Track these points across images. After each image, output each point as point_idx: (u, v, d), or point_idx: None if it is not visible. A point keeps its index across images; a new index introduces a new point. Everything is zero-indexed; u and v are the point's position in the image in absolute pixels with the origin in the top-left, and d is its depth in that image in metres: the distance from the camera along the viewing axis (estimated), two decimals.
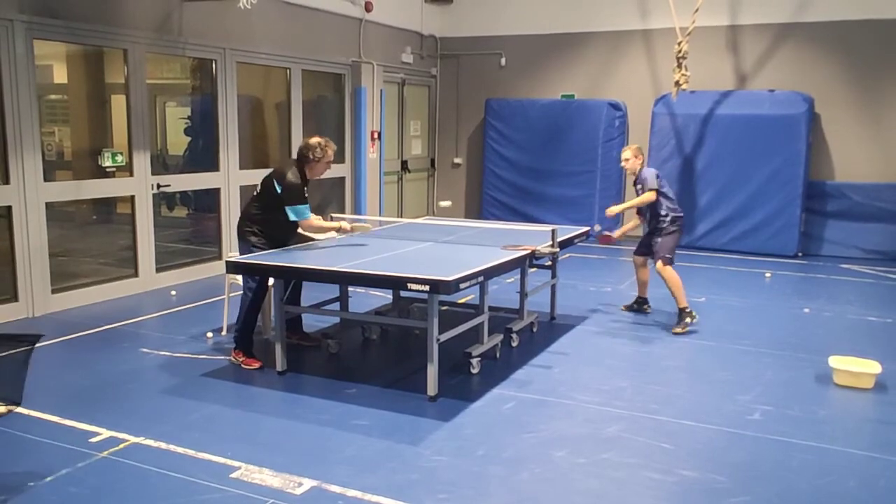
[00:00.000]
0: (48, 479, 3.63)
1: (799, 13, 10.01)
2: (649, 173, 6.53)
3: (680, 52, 9.22)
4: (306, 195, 5.45)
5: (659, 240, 6.53)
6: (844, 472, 3.84)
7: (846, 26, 9.79)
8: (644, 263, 6.90)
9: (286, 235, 5.59)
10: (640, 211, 6.79)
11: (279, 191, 5.33)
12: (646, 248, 6.79)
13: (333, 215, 6.69)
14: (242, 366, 5.32)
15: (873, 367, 5.06)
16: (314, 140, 5.47)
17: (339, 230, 5.71)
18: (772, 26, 10.18)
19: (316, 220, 5.52)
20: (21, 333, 3.68)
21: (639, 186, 6.61)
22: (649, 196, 6.44)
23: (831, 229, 10.02)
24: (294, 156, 5.68)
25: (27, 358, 3.52)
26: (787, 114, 9.71)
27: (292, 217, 5.38)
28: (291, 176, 5.34)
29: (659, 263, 6.45)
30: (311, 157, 5.41)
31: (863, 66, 9.79)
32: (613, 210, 6.77)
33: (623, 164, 6.72)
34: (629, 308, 7.07)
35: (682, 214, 6.62)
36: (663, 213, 6.50)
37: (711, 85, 10.32)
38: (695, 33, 9.36)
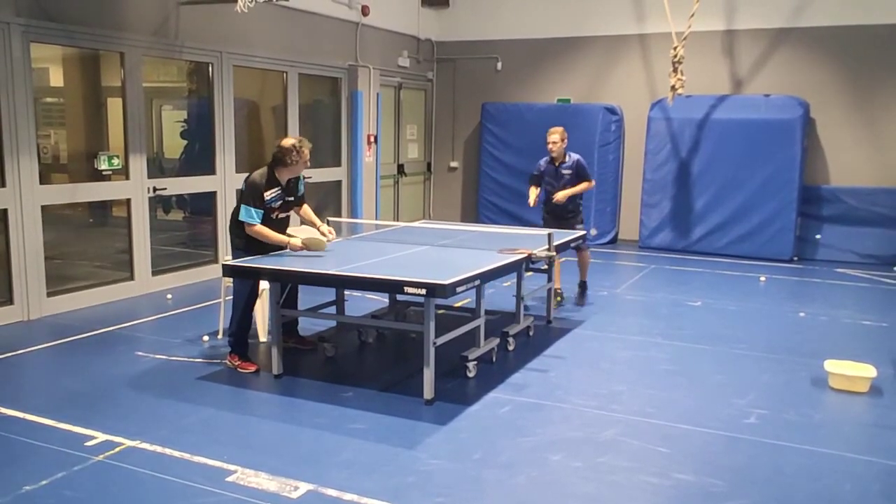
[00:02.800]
0: (43, 482, 3.62)
1: (794, 18, 10.05)
2: (584, 161, 7.27)
3: (676, 56, 9.25)
4: (268, 199, 5.25)
5: (581, 226, 7.19)
6: (840, 475, 3.85)
7: (841, 31, 9.83)
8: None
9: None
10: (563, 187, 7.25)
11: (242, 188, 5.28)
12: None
13: (330, 219, 6.68)
14: (238, 369, 5.31)
15: (868, 371, 5.07)
16: (287, 142, 5.27)
17: (287, 245, 5.34)
18: (767, 31, 10.22)
19: (262, 228, 5.23)
20: None
21: (568, 172, 7.13)
22: (592, 184, 7.32)
23: (827, 233, 10.05)
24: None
25: None
26: (783, 118, 9.75)
27: (241, 217, 5.21)
28: (256, 176, 5.25)
29: (586, 251, 7.40)
30: (289, 161, 5.24)
31: (858, 71, 9.83)
32: (563, 195, 7.08)
33: (552, 146, 7.13)
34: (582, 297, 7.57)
35: None
36: (581, 200, 7.31)
37: (707, 89, 10.35)
38: (691, 38, 9.39)
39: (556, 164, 7.20)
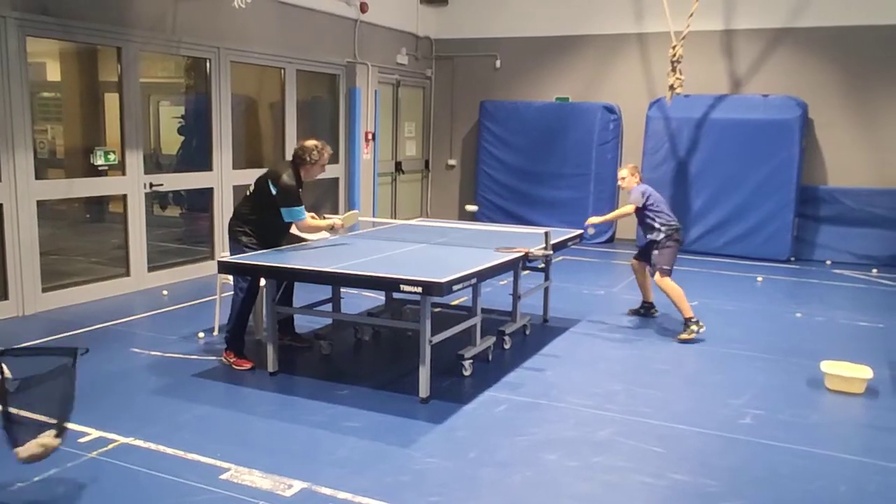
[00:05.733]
0: (36, 479, 3.60)
1: (793, 18, 10.05)
2: (636, 190, 6.59)
3: (674, 55, 9.23)
4: (301, 196, 5.45)
5: (656, 252, 6.54)
6: (835, 476, 3.85)
7: (840, 32, 9.83)
8: (642, 269, 6.89)
9: (277, 236, 5.59)
10: (640, 221, 6.69)
11: (274, 192, 5.34)
12: (643, 256, 6.83)
13: (326, 215, 6.66)
14: (233, 366, 5.30)
15: (864, 372, 5.07)
16: (310, 143, 5.49)
17: (331, 228, 5.71)
18: (766, 31, 10.21)
19: (312, 220, 5.54)
20: (60, 347, 3.63)
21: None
22: (627, 209, 6.59)
23: (824, 234, 10.05)
24: (289, 157, 5.65)
25: (71, 375, 3.38)
26: (781, 118, 9.74)
27: (287, 218, 5.40)
28: (287, 178, 5.35)
29: (657, 276, 6.43)
30: (308, 159, 5.43)
31: (856, 72, 9.83)
32: (593, 221, 6.67)
33: (620, 182, 6.71)
34: (636, 312, 7.00)
35: (678, 227, 6.56)
36: (658, 226, 6.50)
37: (706, 89, 10.34)
38: (689, 37, 9.38)
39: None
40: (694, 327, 6.22)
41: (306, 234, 5.86)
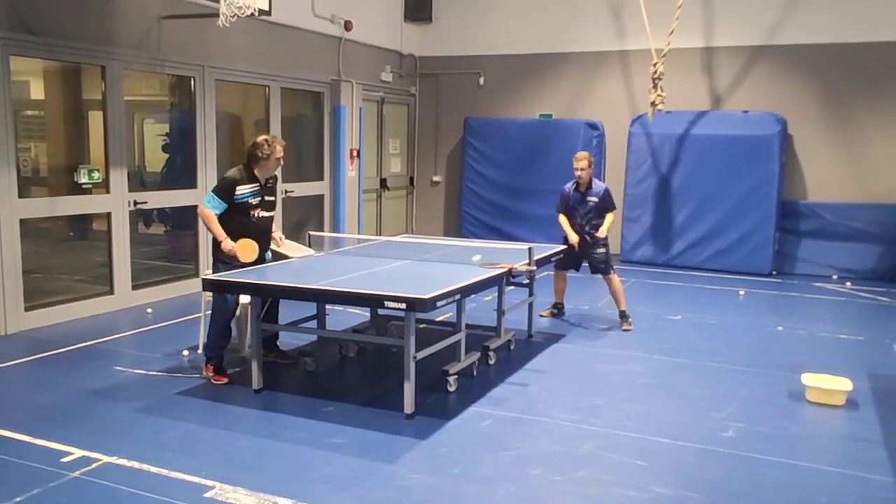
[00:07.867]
0: (18, 499, 3.58)
1: (772, 36, 10.20)
2: (609, 190, 7.12)
3: (656, 72, 9.34)
4: (241, 195, 5.31)
5: (603, 251, 7.05)
6: (816, 488, 3.89)
7: (818, 49, 9.99)
8: (564, 276, 7.44)
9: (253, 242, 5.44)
10: (578, 225, 7.08)
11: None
12: (567, 264, 7.24)
13: (311, 233, 6.68)
14: (212, 381, 5.30)
15: (844, 385, 5.13)
16: (260, 138, 5.46)
17: (222, 243, 5.27)
18: (745, 48, 10.36)
19: (211, 214, 5.24)
20: None
21: (594, 200, 7.01)
22: (614, 216, 7.15)
23: (805, 248, 10.16)
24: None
25: None
26: (761, 134, 9.87)
27: (203, 200, 5.37)
28: (232, 170, 5.43)
29: (614, 275, 7.07)
30: (261, 154, 5.37)
31: (834, 89, 9.98)
32: (604, 232, 7.01)
33: (580, 173, 6.96)
34: (552, 314, 7.50)
35: None
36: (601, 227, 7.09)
37: (687, 105, 10.46)
38: (670, 55, 9.50)
39: (582, 189, 7.02)
40: (630, 320, 7.04)
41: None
